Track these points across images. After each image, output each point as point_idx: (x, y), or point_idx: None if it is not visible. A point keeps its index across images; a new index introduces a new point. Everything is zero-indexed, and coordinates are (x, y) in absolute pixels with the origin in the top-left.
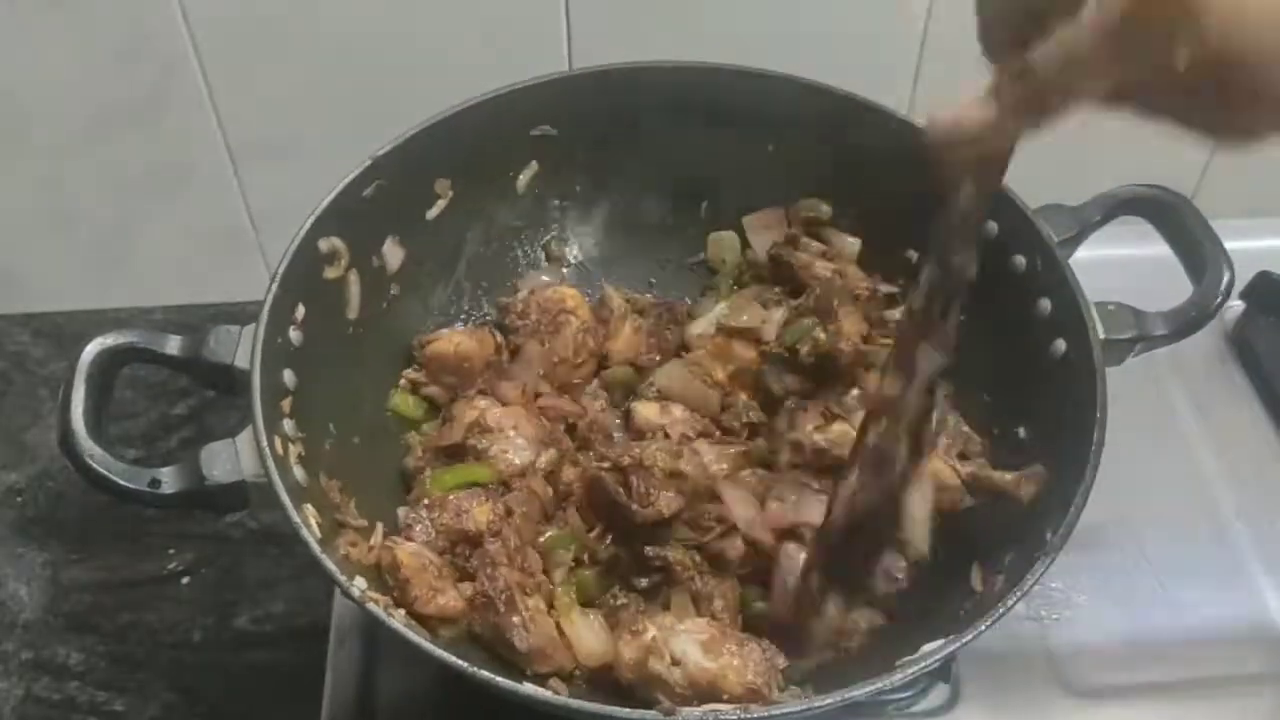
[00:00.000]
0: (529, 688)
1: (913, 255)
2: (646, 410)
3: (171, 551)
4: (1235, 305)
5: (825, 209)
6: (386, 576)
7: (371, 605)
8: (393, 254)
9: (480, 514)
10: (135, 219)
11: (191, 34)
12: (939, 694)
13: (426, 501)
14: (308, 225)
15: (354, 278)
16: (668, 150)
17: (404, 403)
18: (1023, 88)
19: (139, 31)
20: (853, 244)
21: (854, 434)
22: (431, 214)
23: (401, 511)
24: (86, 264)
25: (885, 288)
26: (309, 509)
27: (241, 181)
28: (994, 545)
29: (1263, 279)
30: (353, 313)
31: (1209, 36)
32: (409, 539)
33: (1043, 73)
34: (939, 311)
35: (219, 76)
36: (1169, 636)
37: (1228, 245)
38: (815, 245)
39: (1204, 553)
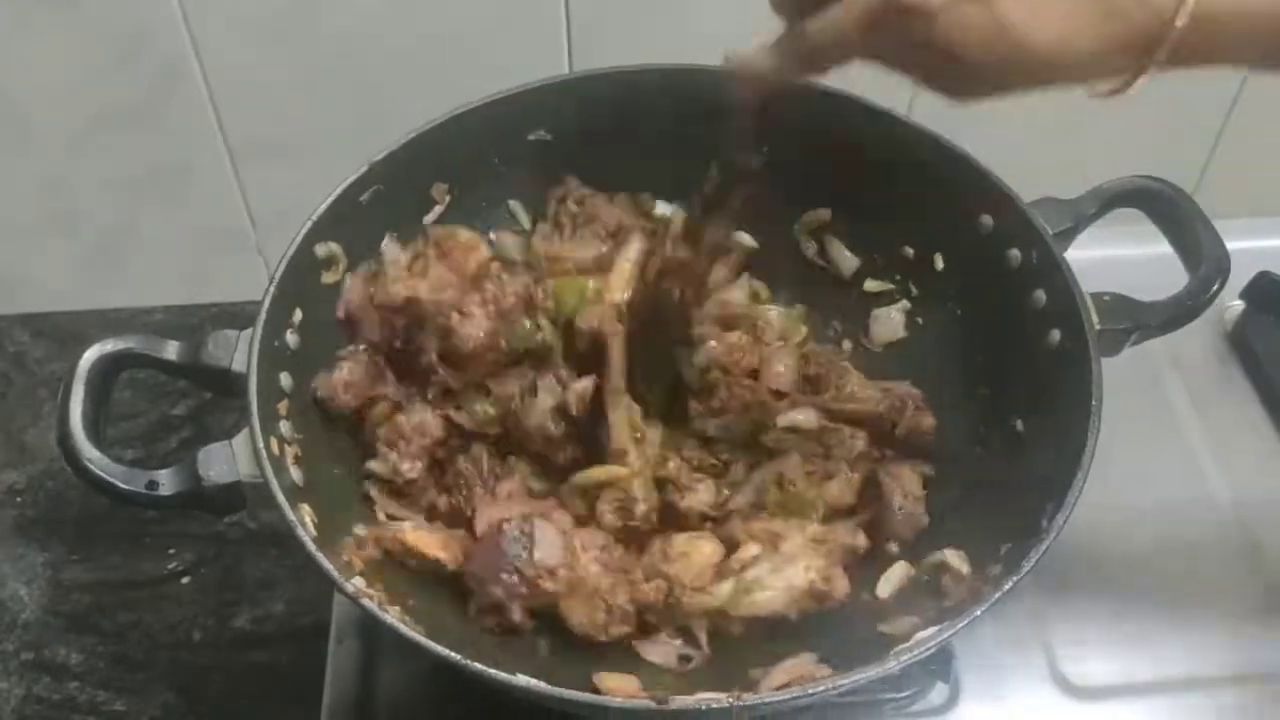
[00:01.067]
0: (522, 679)
1: (909, 252)
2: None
3: (171, 552)
4: (1235, 305)
5: (824, 214)
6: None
7: (366, 601)
8: (391, 253)
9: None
10: (135, 219)
11: (191, 34)
12: (939, 694)
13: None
14: (304, 230)
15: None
16: (665, 152)
17: None
18: (798, 46)
19: (139, 31)
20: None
21: None
22: (429, 219)
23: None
24: (86, 264)
25: (879, 285)
26: (305, 508)
27: (241, 181)
28: (990, 535)
29: (1263, 279)
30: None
31: (936, 35)
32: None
33: (813, 38)
34: (725, 193)
35: (219, 76)
36: (1168, 636)
37: (1228, 246)
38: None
39: (1203, 551)
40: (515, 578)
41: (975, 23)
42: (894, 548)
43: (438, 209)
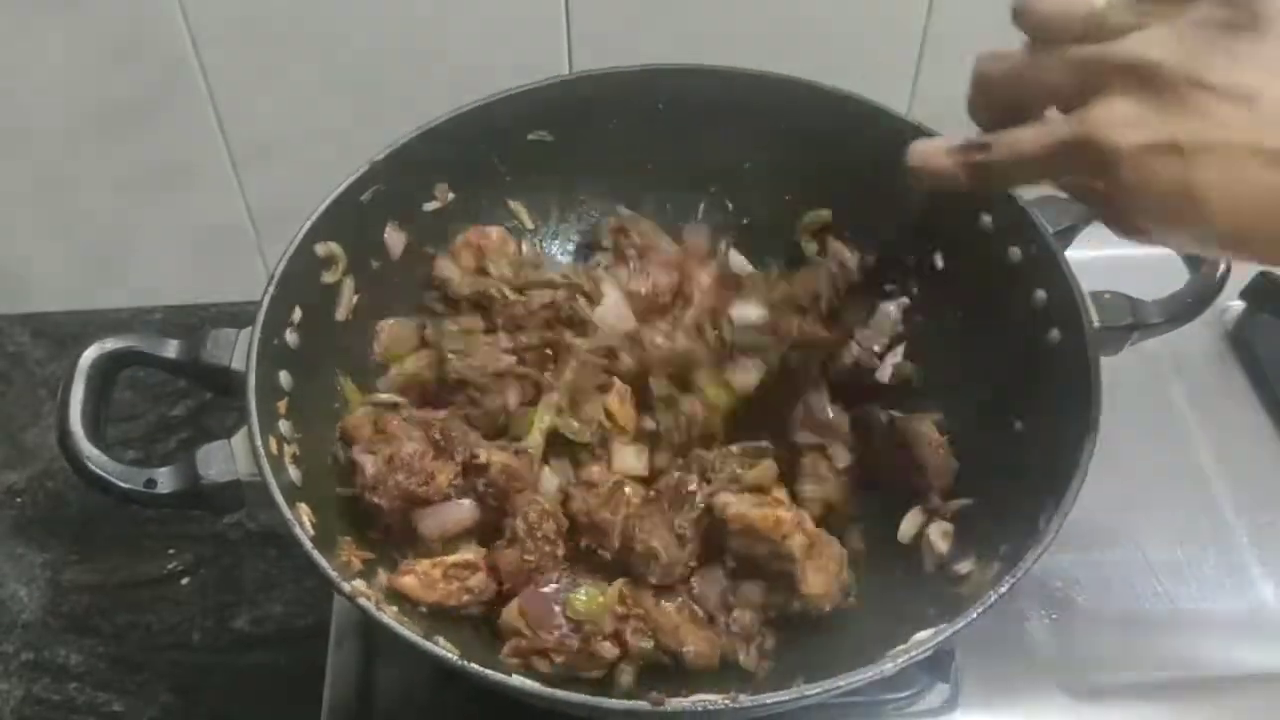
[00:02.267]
0: (518, 680)
1: (910, 259)
2: None
3: (171, 552)
4: (1235, 305)
5: (825, 214)
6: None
7: (363, 601)
8: (394, 240)
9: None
10: (135, 219)
11: (191, 34)
12: (939, 694)
13: None
14: (305, 229)
15: (351, 281)
16: (666, 152)
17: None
18: (983, 159)
19: (139, 31)
20: None
21: None
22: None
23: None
24: (86, 264)
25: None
26: (303, 508)
27: (241, 181)
28: (989, 535)
29: (1263, 279)
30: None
31: (1121, 181)
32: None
33: (999, 153)
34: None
35: (219, 76)
36: (1169, 636)
37: None
38: None
39: (1203, 552)
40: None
41: (1163, 178)
42: (935, 499)
43: (438, 208)
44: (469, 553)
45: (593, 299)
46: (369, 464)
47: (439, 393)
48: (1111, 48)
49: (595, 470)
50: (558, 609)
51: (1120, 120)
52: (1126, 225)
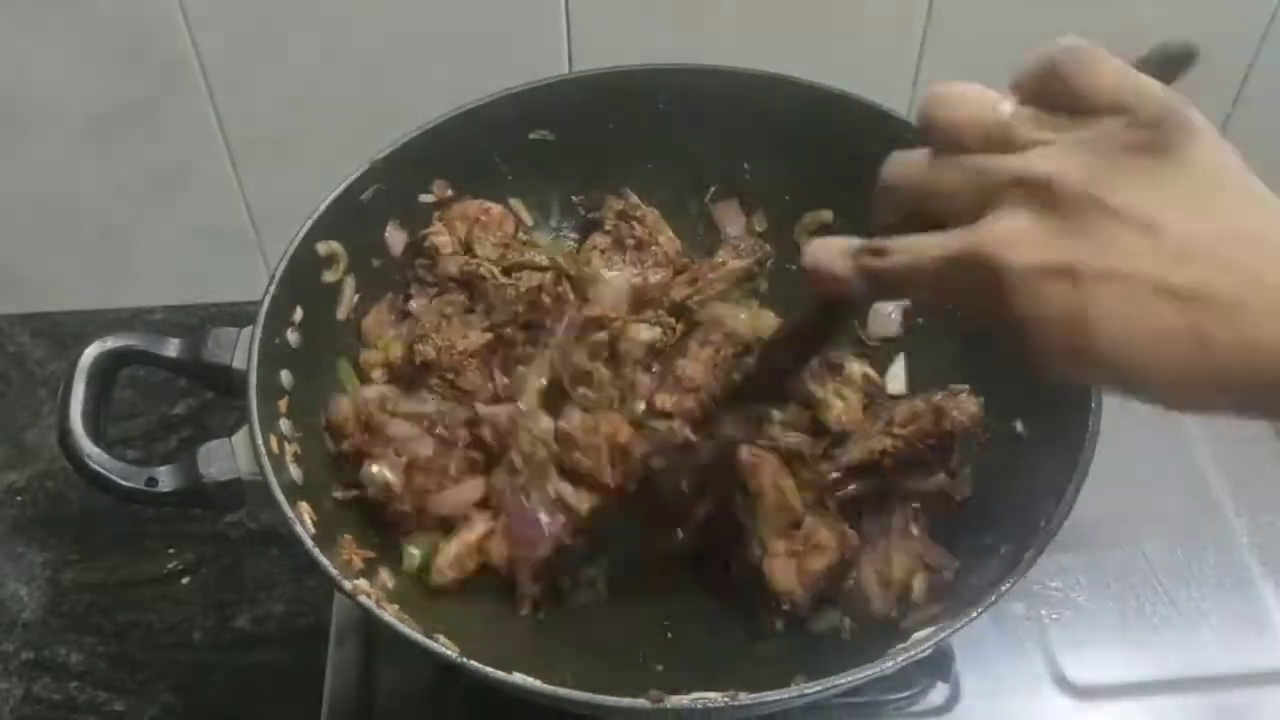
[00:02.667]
0: (518, 677)
1: None
2: None
3: (171, 551)
4: None
5: (825, 215)
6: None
7: (364, 599)
8: (395, 238)
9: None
10: (135, 219)
11: (191, 34)
12: (939, 694)
13: None
14: (306, 228)
15: (352, 280)
16: (666, 152)
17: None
18: (875, 264)
19: (139, 31)
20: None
21: None
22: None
23: None
24: (86, 264)
25: None
26: (304, 506)
27: (241, 181)
28: (990, 536)
29: None
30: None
31: (1011, 303)
32: None
33: (891, 258)
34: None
35: (219, 76)
36: (1169, 636)
37: None
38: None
39: (1203, 552)
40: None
41: (1055, 304)
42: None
43: (437, 204)
44: (480, 524)
45: (577, 285)
46: (392, 477)
47: (417, 374)
48: (1011, 159)
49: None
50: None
51: (1012, 237)
52: (1030, 360)
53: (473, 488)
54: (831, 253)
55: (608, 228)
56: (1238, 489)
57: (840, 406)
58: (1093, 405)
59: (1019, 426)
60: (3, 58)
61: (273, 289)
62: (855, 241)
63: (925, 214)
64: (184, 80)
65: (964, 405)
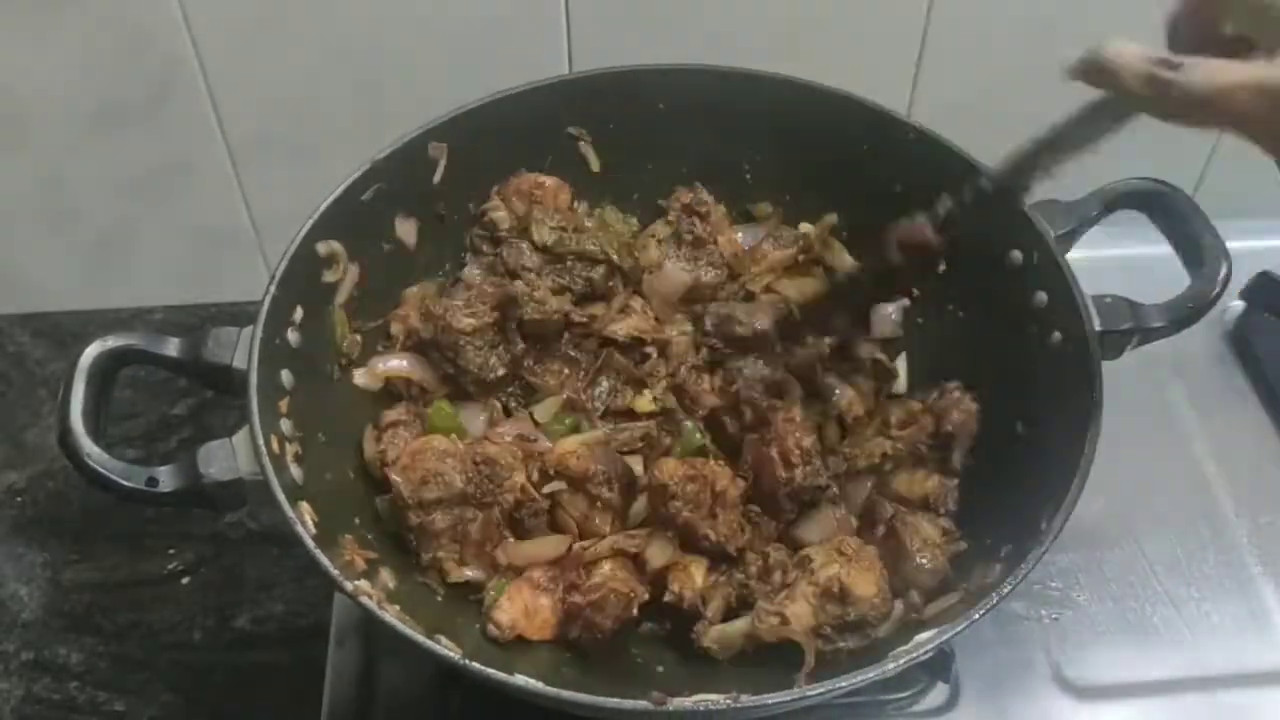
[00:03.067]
0: (519, 679)
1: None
2: None
3: (171, 551)
4: (1235, 305)
5: (830, 218)
6: None
7: (365, 600)
8: (405, 230)
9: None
10: (135, 219)
11: (191, 34)
12: (939, 694)
13: None
14: (307, 227)
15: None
16: (665, 153)
17: None
18: (1170, 74)
19: (139, 31)
20: None
21: None
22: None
23: None
24: (86, 264)
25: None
26: (304, 506)
27: (241, 181)
28: (991, 538)
29: (1263, 279)
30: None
31: None
32: None
33: (1190, 74)
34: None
35: (219, 76)
36: (1169, 636)
37: (1228, 246)
38: None
39: (1203, 552)
40: None
41: None
42: (915, 596)
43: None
44: (548, 546)
45: (630, 279)
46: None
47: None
48: None
49: None
50: None
51: None
52: None
53: (555, 544)
54: (1134, 53)
55: (670, 218)
56: (1238, 489)
57: (851, 395)
58: (1093, 406)
59: (1019, 427)
60: (3, 58)
61: (273, 289)
62: (1156, 52)
63: (1220, 41)
64: (184, 80)
65: (962, 406)
